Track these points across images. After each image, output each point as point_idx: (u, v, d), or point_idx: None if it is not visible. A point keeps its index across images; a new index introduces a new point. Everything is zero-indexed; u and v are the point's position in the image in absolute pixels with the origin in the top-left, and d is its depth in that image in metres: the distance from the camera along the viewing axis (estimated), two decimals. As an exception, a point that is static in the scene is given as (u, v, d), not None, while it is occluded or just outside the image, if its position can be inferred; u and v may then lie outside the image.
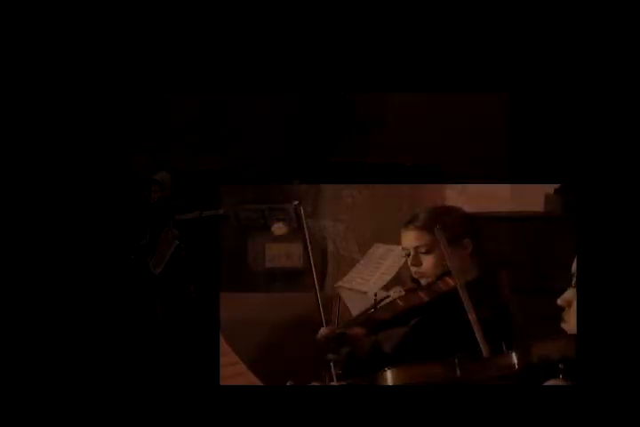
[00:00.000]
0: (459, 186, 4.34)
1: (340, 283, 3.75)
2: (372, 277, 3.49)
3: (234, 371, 2.26)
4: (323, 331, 2.78)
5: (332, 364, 2.55)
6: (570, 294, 2.18)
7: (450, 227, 2.89)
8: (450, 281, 2.81)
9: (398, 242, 3.28)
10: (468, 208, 3.02)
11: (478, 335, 2.23)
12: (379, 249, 3.77)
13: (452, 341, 2.53)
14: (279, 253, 4.58)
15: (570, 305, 2.18)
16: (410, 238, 2.86)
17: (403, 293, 2.84)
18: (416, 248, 2.88)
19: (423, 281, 2.90)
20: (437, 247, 2.86)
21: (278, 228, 4.69)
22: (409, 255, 2.88)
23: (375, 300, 2.80)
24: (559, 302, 2.20)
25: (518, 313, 2.85)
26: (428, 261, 2.89)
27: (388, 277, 3.54)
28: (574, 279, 2.18)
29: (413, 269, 2.90)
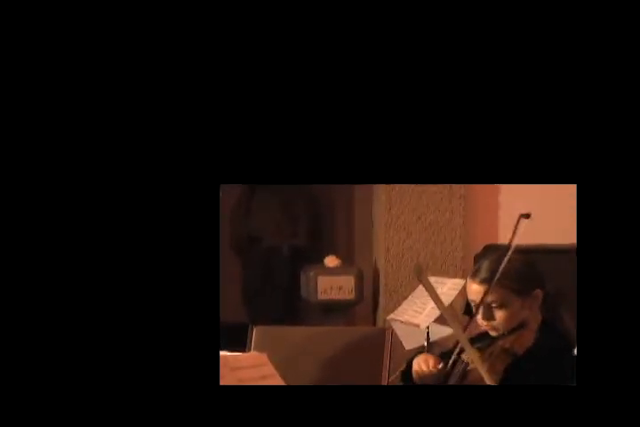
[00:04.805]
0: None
1: (392, 315, 3.75)
2: (424, 309, 3.48)
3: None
4: (425, 367, 2.72)
5: None
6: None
7: (520, 282, 2.81)
8: (524, 340, 2.75)
9: (449, 275, 3.27)
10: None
11: None
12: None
13: None
14: (332, 285, 4.59)
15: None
16: (478, 292, 2.78)
17: (477, 355, 2.76)
18: (488, 303, 2.79)
19: (493, 333, 2.83)
20: (511, 302, 2.79)
21: (331, 260, 4.71)
22: (478, 308, 2.79)
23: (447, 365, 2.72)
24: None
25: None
26: (500, 316, 2.80)
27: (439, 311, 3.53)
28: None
29: (484, 322, 2.82)
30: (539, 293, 2.80)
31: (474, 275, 2.81)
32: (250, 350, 2.77)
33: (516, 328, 2.78)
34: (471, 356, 2.55)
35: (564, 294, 2.13)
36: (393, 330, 3.25)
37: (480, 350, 2.77)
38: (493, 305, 2.77)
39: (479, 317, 2.79)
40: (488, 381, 2.32)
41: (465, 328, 2.73)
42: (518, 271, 2.79)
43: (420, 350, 3.06)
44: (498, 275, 2.65)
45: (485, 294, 2.68)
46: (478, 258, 2.89)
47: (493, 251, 2.92)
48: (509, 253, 2.62)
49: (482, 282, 2.75)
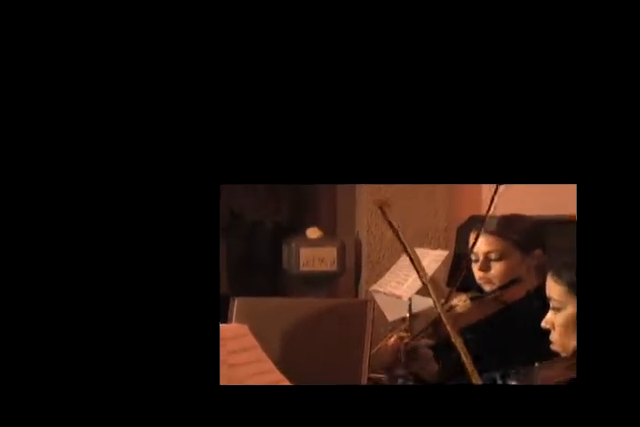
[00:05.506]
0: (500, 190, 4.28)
1: (374, 287, 3.74)
2: (406, 281, 3.47)
3: (270, 379, 2.26)
4: (393, 341, 2.76)
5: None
6: (551, 316, 2.17)
7: (523, 236, 2.88)
8: (516, 292, 2.80)
9: (433, 246, 3.26)
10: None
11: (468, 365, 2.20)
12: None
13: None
14: (314, 256, 4.58)
15: (554, 327, 2.17)
16: (481, 243, 2.83)
17: (468, 301, 2.82)
18: (486, 253, 2.86)
19: (487, 287, 2.90)
20: (510, 255, 2.85)
21: (313, 231, 4.70)
22: (477, 260, 2.87)
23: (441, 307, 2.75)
24: (542, 324, 2.18)
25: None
26: (497, 268, 2.89)
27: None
28: (552, 302, 2.16)
29: (479, 273, 2.90)
30: (539, 253, 2.85)
31: (480, 227, 2.85)
32: (231, 321, 2.76)
33: (508, 284, 2.83)
34: (448, 328, 2.57)
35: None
36: (375, 301, 3.24)
37: (472, 299, 2.82)
38: (492, 257, 2.84)
39: (476, 268, 2.85)
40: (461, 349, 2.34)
41: (445, 299, 2.77)
42: (523, 226, 2.84)
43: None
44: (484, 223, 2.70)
45: (475, 239, 2.73)
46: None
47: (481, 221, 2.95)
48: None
49: (489, 233, 2.84)
